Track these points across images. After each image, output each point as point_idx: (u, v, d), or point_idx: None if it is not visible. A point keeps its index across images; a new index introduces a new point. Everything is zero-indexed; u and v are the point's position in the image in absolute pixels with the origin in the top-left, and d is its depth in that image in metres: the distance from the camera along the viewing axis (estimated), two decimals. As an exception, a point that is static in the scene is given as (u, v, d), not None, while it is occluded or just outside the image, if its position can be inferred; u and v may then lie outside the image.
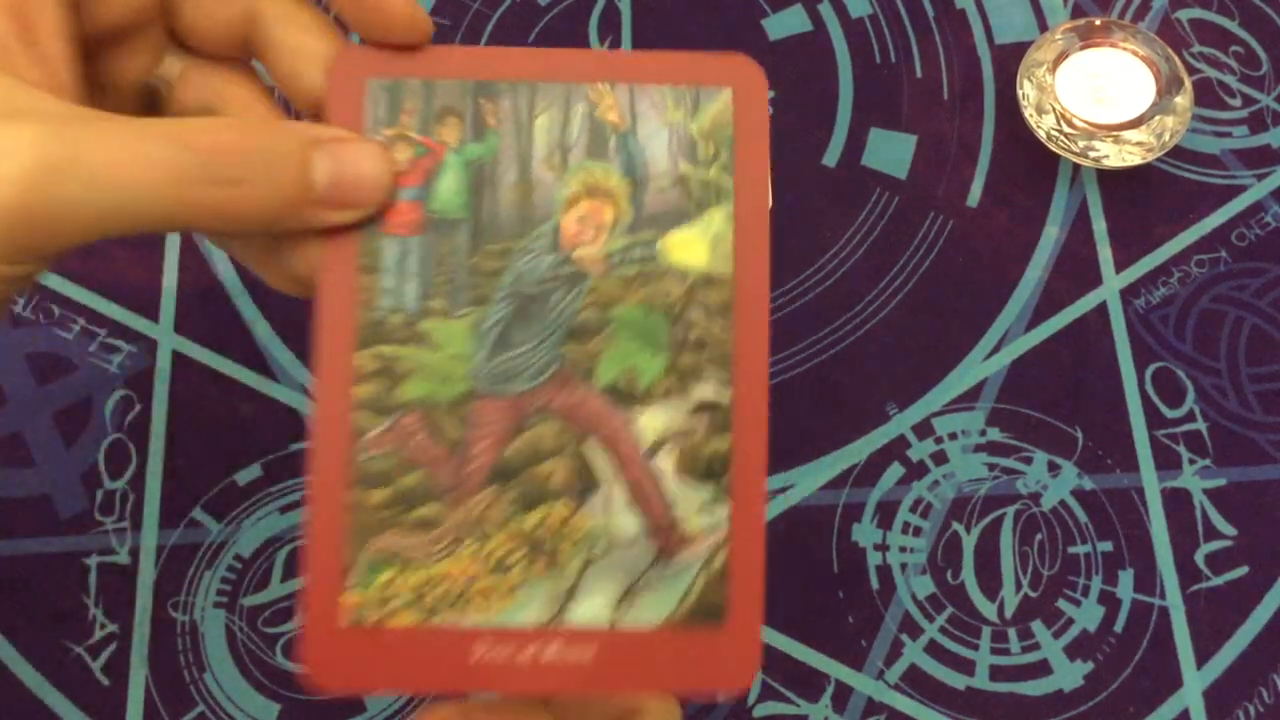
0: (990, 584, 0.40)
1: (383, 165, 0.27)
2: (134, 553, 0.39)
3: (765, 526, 0.27)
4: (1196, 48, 0.46)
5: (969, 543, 0.40)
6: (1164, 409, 0.42)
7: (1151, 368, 0.42)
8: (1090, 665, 0.39)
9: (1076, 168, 0.44)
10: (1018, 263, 0.43)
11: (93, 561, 0.39)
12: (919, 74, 0.45)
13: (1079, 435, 0.41)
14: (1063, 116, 0.43)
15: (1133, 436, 0.41)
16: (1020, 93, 0.44)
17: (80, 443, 0.40)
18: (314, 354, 0.27)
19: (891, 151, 0.44)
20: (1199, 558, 0.40)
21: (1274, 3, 0.47)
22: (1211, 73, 0.46)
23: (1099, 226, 0.44)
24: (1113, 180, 0.44)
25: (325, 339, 0.27)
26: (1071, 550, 0.40)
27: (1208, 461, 0.41)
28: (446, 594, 0.27)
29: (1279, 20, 0.46)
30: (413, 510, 0.27)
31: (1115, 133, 0.43)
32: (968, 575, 0.40)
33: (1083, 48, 0.44)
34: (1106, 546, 0.40)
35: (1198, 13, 0.46)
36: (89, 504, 0.39)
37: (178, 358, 0.41)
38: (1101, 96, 0.43)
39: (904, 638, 0.39)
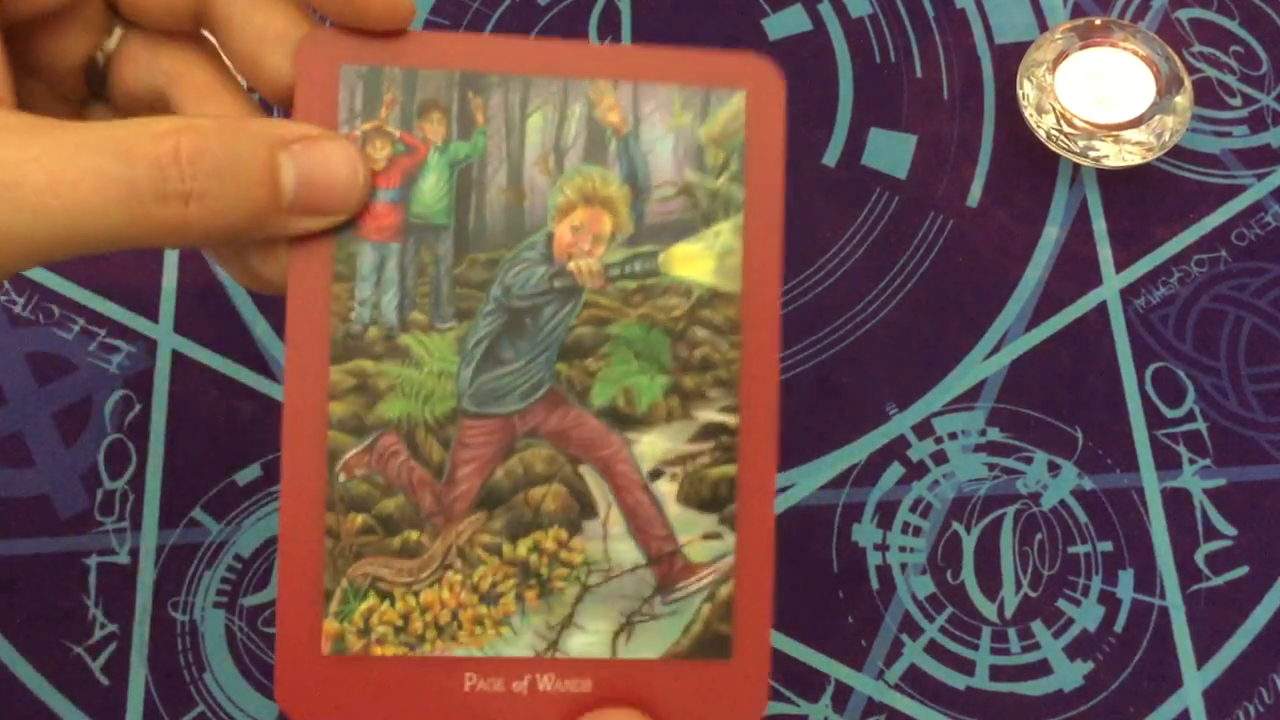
0: (990, 584, 0.40)
1: (357, 166, 0.24)
2: (134, 553, 0.39)
3: (774, 556, 0.26)
4: (1196, 47, 0.46)
5: (969, 543, 0.40)
6: (1164, 409, 0.41)
7: (1151, 368, 0.42)
8: (1090, 665, 0.39)
9: (1076, 167, 0.44)
10: (1018, 263, 0.43)
11: (92, 561, 0.39)
12: (919, 74, 0.45)
13: (1079, 435, 0.41)
14: (1063, 116, 0.43)
15: (1133, 436, 0.41)
16: (1020, 92, 0.44)
17: (80, 443, 0.40)
18: (285, 368, 0.25)
19: (891, 151, 0.44)
20: (1199, 558, 0.40)
21: (1274, 2, 0.46)
22: (1211, 72, 0.46)
23: (1099, 226, 0.44)
24: (1113, 180, 0.44)
25: (296, 352, 0.25)
26: (1071, 550, 0.40)
27: (1208, 461, 0.41)
28: (433, 623, 0.25)
29: (1279, 20, 0.46)
30: (395, 536, 0.25)
31: (1115, 132, 0.43)
32: (968, 575, 0.40)
33: (1083, 47, 0.44)
34: (1106, 546, 0.40)
35: (1198, 12, 0.46)
36: (89, 504, 0.39)
37: (177, 358, 0.41)
38: (1101, 96, 0.43)
39: (904, 638, 0.39)
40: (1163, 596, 0.40)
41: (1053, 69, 0.44)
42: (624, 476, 0.26)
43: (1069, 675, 0.39)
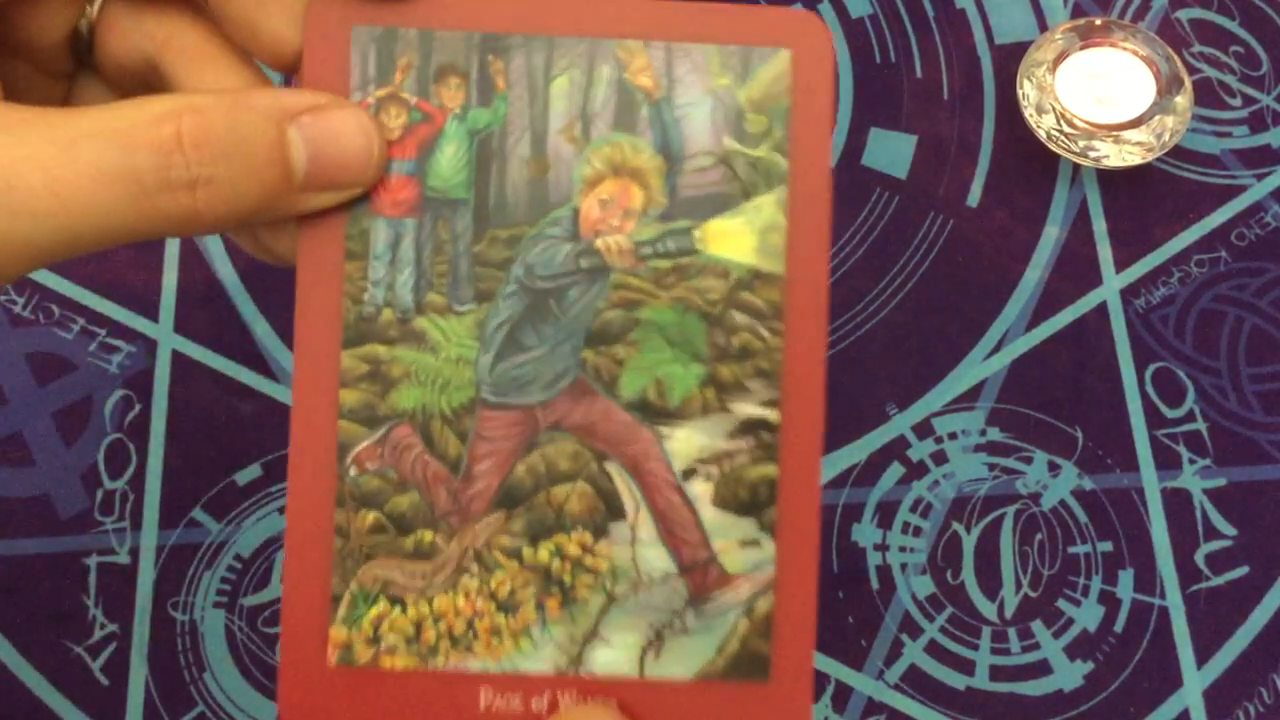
0: (990, 584, 0.40)
1: (372, 136, 0.23)
2: (134, 553, 0.39)
3: (818, 566, 0.24)
4: (1196, 47, 0.46)
5: (969, 543, 0.40)
6: (1164, 409, 0.41)
7: (1151, 368, 0.42)
8: (1090, 665, 0.39)
9: (1076, 167, 0.44)
10: (1018, 262, 0.43)
11: (92, 561, 0.39)
12: (919, 74, 0.45)
13: (1079, 435, 0.41)
14: (1063, 116, 0.43)
15: (1133, 436, 0.41)
16: (1020, 93, 0.44)
17: (80, 442, 0.40)
18: (294, 353, 0.24)
19: (891, 151, 0.44)
20: (1199, 558, 0.40)
21: (1274, 3, 0.46)
22: (1211, 72, 0.46)
23: (1099, 226, 0.44)
24: (1113, 180, 0.44)
25: (305, 336, 0.23)
26: (1071, 550, 0.40)
27: (1208, 461, 0.41)
28: (447, 633, 0.23)
29: (1279, 20, 0.46)
30: (407, 536, 0.23)
31: (1115, 132, 0.43)
32: (968, 575, 0.40)
33: (1083, 48, 0.44)
34: (1106, 546, 0.40)
35: (1198, 12, 0.46)
36: (89, 504, 0.39)
37: (178, 357, 0.41)
38: (1101, 96, 0.43)
39: (904, 638, 0.39)
40: (1163, 596, 0.40)
41: (1053, 69, 0.44)
42: (654, 475, 0.24)
43: (1069, 675, 0.39)
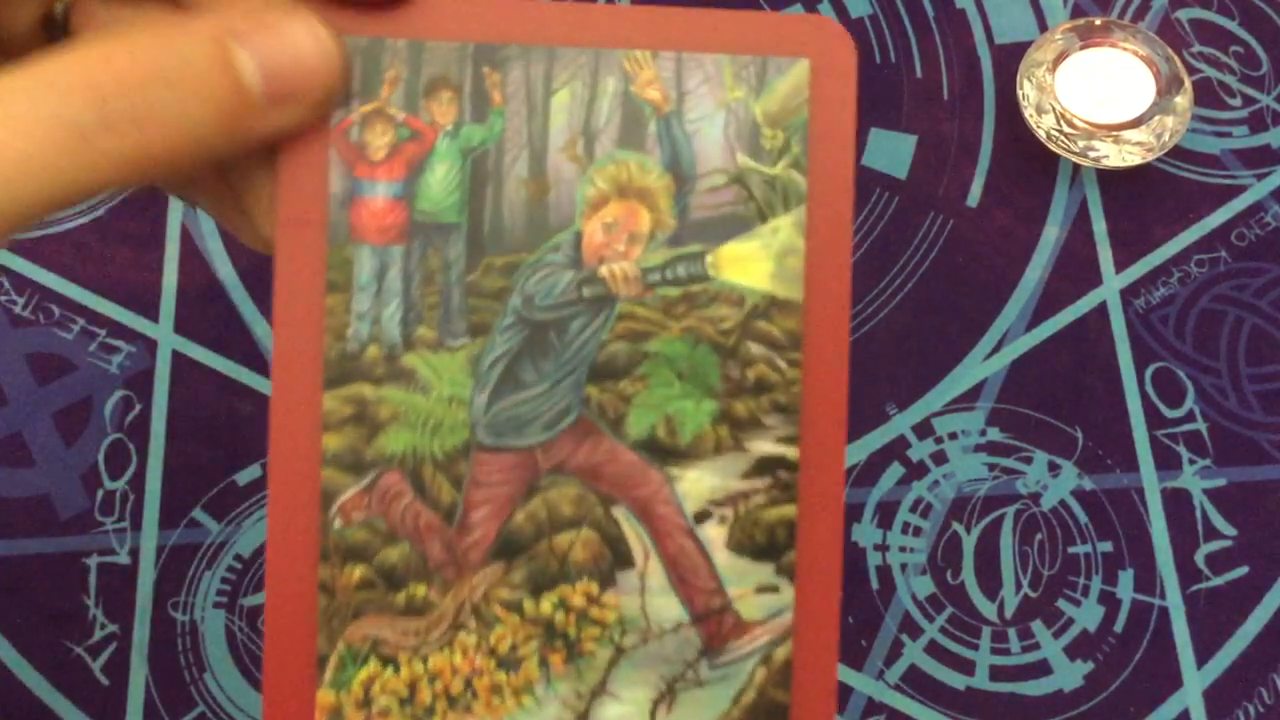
0: (990, 584, 0.40)
1: (325, 40, 0.21)
2: (134, 553, 0.39)
3: (840, 612, 0.22)
4: (1196, 47, 0.46)
5: (969, 543, 0.40)
6: (1164, 409, 0.41)
7: (1151, 368, 0.42)
8: (1090, 665, 0.39)
9: (1076, 168, 0.44)
10: (1017, 263, 0.43)
11: (93, 562, 0.39)
12: (919, 74, 0.45)
13: (1079, 435, 0.41)
14: (1063, 116, 0.43)
15: (1133, 436, 0.41)
16: (1020, 93, 0.44)
17: (80, 443, 0.40)
18: (271, 395, 0.22)
19: (891, 151, 0.44)
20: (1199, 558, 0.40)
21: (1274, 3, 0.46)
22: (1211, 73, 0.46)
23: (1099, 226, 0.44)
24: (1113, 180, 0.44)
25: (283, 376, 0.21)
26: (1071, 550, 0.40)
27: (1208, 461, 0.41)
28: (444, 693, 0.22)
29: (1279, 20, 0.46)
30: (398, 591, 0.22)
31: (1115, 133, 0.43)
32: (968, 575, 0.40)
33: (1083, 48, 0.44)
34: (1106, 546, 0.40)
35: (1198, 13, 0.46)
36: (89, 504, 0.39)
37: (177, 357, 0.41)
38: (1101, 97, 0.43)
39: (904, 638, 0.39)
40: (1163, 597, 0.40)
41: (1053, 69, 0.44)
42: (664, 519, 0.22)
43: (1069, 675, 0.39)
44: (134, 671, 0.38)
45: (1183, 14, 0.46)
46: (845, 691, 0.39)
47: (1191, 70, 0.45)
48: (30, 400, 0.40)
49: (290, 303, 0.21)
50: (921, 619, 0.39)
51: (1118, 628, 0.39)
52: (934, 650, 0.39)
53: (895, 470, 0.41)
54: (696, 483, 0.22)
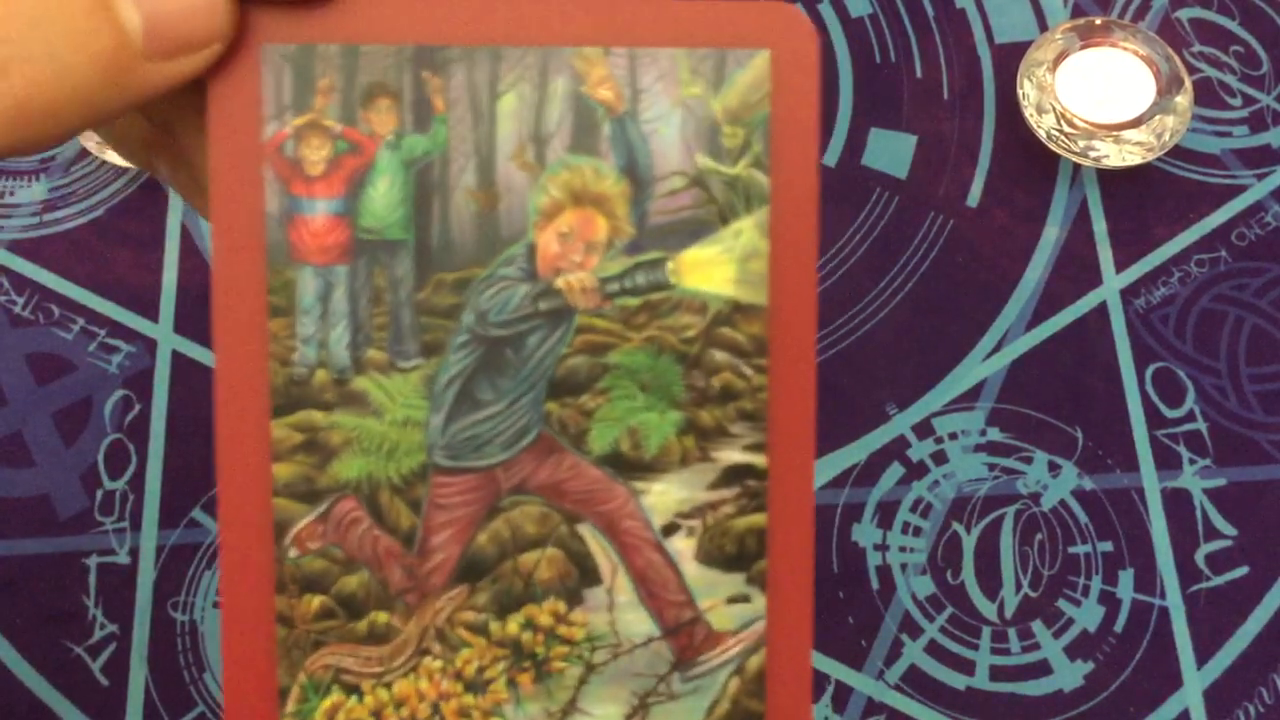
0: (990, 584, 0.40)
1: None
2: (134, 553, 0.39)
3: (813, 619, 0.22)
4: (1197, 47, 0.46)
5: (969, 543, 0.40)
6: (1164, 409, 0.41)
7: (1152, 368, 0.42)
8: (1090, 665, 0.39)
9: (1077, 167, 0.44)
10: (1018, 263, 0.43)
11: (92, 562, 0.39)
12: (919, 73, 0.45)
13: (1079, 435, 0.41)
14: (1063, 116, 0.43)
15: (1133, 436, 0.41)
16: (1020, 92, 0.44)
17: (80, 443, 0.40)
18: (216, 425, 0.21)
19: (891, 151, 0.44)
20: (1199, 558, 0.40)
21: (1274, 2, 0.46)
22: (1212, 72, 0.45)
23: (1099, 226, 0.44)
24: (1113, 180, 0.44)
25: (228, 405, 0.21)
26: (1072, 550, 0.40)
27: (1208, 461, 0.41)
28: (410, 719, 0.21)
29: (1279, 20, 0.46)
30: (359, 619, 0.21)
31: (1115, 132, 0.43)
32: (968, 575, 0.40)
33: (1083, 47, 0.44)
34: (1107, 546, 0.40)
35: (1198, 12, 0.46)
36: (88, 504, 0.39)
37: (177, 357, 0.41)
38: (1101, 96, 0.43)
39: (904, 638, 0.39)
40: (1163, 596, 0.40)
41: (1053, 69, 0.44)
42: (631, 534, 0.22)
43: (1069, 675, 0.39)
44: (134, 671, 0.38)
45: (1183, 13, 0.46)
46: (845, 691, 0.39)
47: (1192, 70, 0.45)
48: (30, 400, 0.40)
49: (231, 329, 0.21)
50: (921, 619, 0.39)
51: (1118, 628, 0.39)
52: (934, 650, 0.39)
53: (895, 470, 0.41)
54: (663, 495, 0.22)
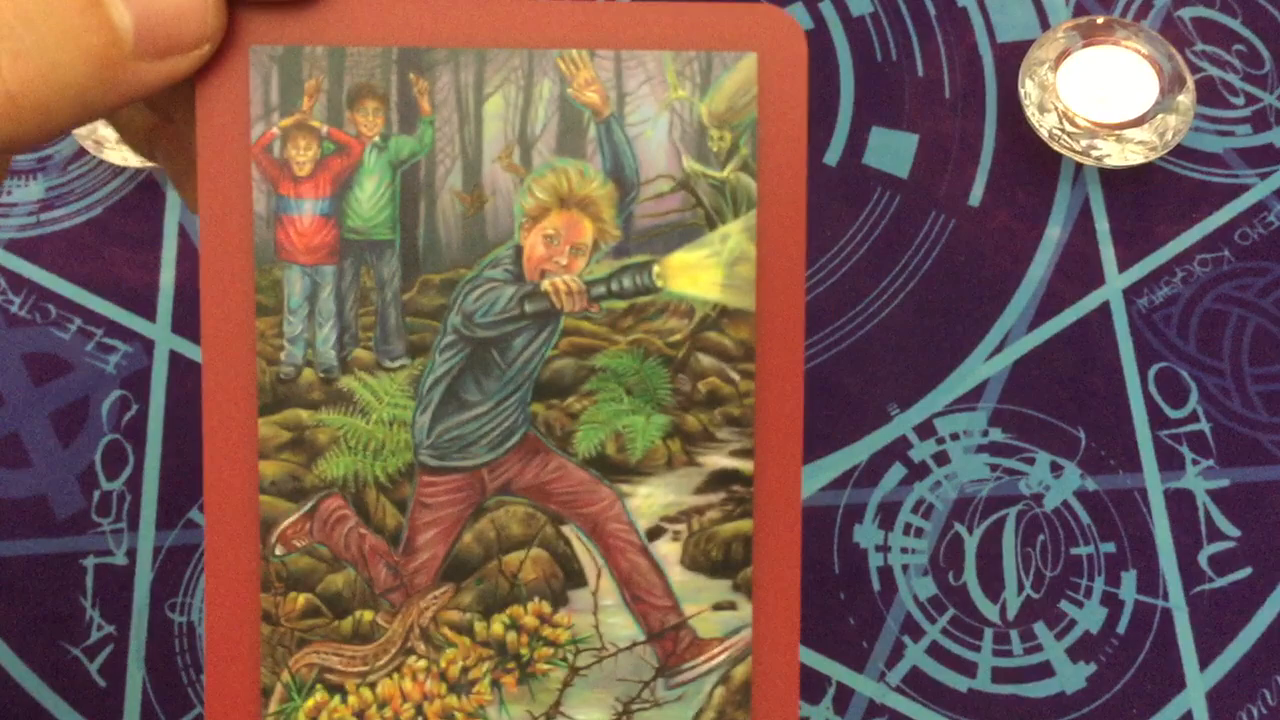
0: (992, 585, 0.40)
1: None
2: (131, 554, 0.39)
3: (799, 629, 0.22)
4: (1199, 46, 0.46)
5: (971, 544, 0.40)
6: (1167, 409, 0.41)
7: (1154, 368, 0.42)
8: (1093, 667, 0.39)
9: (1079, 167, 0.44)
10: (1020, 262, 0.43)
11: (89, 563, 0.39)
12: (920, 72, 0.45)
13: (1082, 436, 0.41)
14: (1065, 115, 0.43)
15: (1135, 437, 0.41)
16: (1022, 91, 0.44)
17: (77, 443, 0.40)
18: (204, 423, 0.21)
19: (893, 150, 0.44)
20: (1202, 559, 0.40)
21: (1276, 1, 0.46)
22: (1214, 71, 0.45)
23: (1101, 226, 0.43)
24: (1115, 179, 0.44)
25: (215, 403, 0.21)
26: (1074, 551, 0.40)
27: (1211, 462, 0.41)
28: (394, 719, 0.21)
29: (1282, 19, 0.46)
30: (344, 618, 0.21)
31: (1117, 131, 0.43)
32: (970, 576, 0.40)
33: (1085, 46, 0.44)
34: (1109, 548, 0.40)
35: (1201, 11, 0.46)
36: (86, 505, 0.39)
37: (175, 358, 0.41)
38: (1104, 95, 0.43)
39: (905, 639, 0.39)
40: (1166, 598, 0.39)
41: (1055, 68, 0.44)
42: (617, 537, 0.22)
43: (1071, 677, 0.39)
44: (131, 673, 0.38)
45: (1185, 12, 0.46)
46: (846, 693, 0.38)
47: (1194, 69, 0.45)
48: (27, 400, 0.40)
49: (219, 328, 0.21)
50: (923, 620, 0.39)
51: (1120, 629, 0.39)
52: (936, 652, 0.39)
53: (897, 471, 0.40)
54: (648, 499, 0.22)
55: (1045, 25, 0.46)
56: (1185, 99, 0.43)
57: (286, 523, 0.21)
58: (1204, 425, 0.41)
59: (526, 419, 0.21)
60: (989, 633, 0.39)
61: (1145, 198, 0.44)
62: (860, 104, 0.45)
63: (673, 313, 0.21)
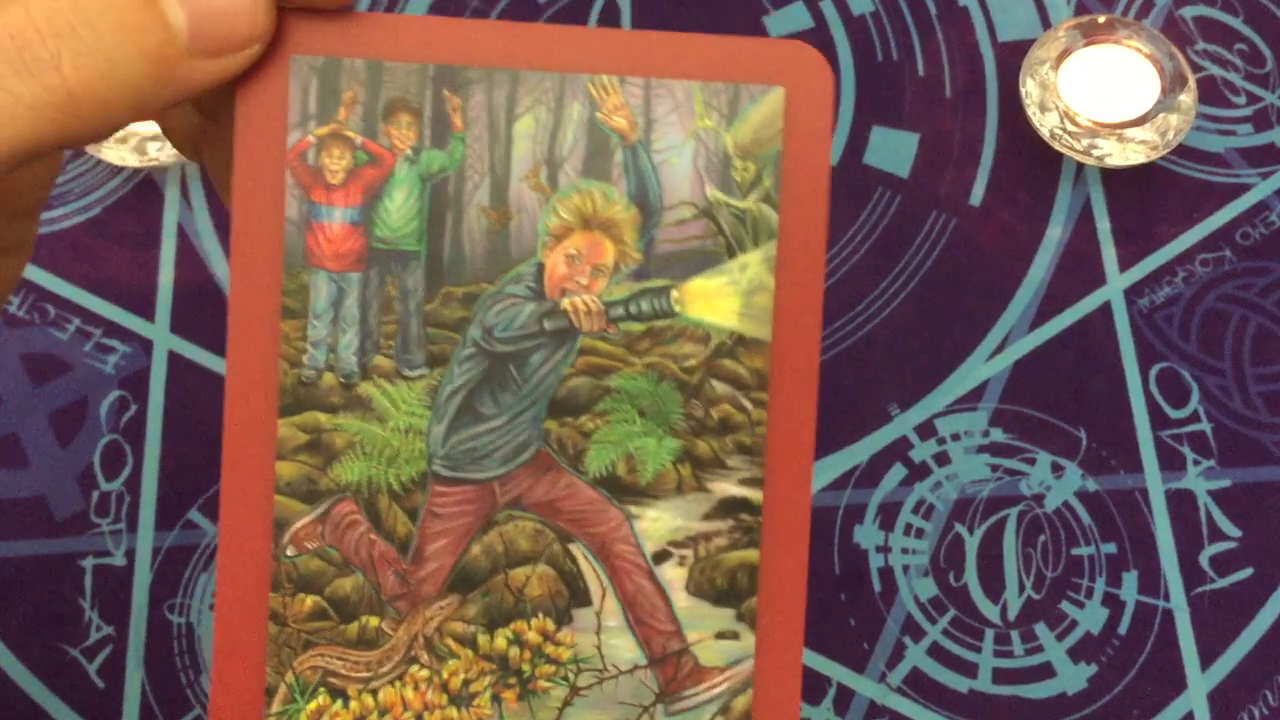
0: (993, 586, 0.39)
1: None
2: (130, 554, 0.39)
3: (801, 663, 0.22)
4: (1201, 45, 0.46)
5: (972, 544, 0.40)
6: (1168, 409, 0.41)
7: (1156, 368, 0.42)
8: (1094, 668, 0.39)
9: (1080, 166, 0.44)
10: (1021, 262, 0.43)
11: (88, 564, 0.39)
12: (921, 72, 0.45)
13: (1083, 436, 0.41)
14: (1066, 114, 0.43)
15: (1137, 437, 0.41)
16: (1023, 90, 0.43)
17: (76, 444, 0.40)
18: (225, 421, 0.21)
19: (893, 150, 0.44)
20: (1203, 559, 0.40)
21: (1278, 0, 0.46)
22: (1216, 70, 0.45)
23: (1102, 225, 0.43)
24: (1116, 179, 0.44)
25: (237, 402, 0.21)
26: (1075, 552, 0.40)
27: (1212, 463, 0.41)
28: None
29: (1284, 17, 0.46)
30: (350, 622, 0.21)
31: (1119, 131, 0.43)
32: (970, 577, 0.39)
33: (1086, 45, 0.44)
34: (1110, 548, 0.40)
35: (1202, 10, 0.46)
36: (84, 505, 0.39)
37: (173, 358, 0.41)
38: (1105, 94, 0.43)
39: (906, 640, 0.39)
40: (1167, 599, 0.39)
41: (1056, 67, 0.43)
42: (623, 558, 0.22)
43: (1073, 678, 0.39)
44: (130, 674, 0.38)
45: (1187, 11, 0.46)
46: (847, 694, 0.38)
47: (1196, 68, 0.45)
48: (25, 401, 0.40)
49: (244, 328, 0.21)
50: (924, 621, 0.39)
51: (1122, 630, 0.39)
52: (936, 653, 0.39)
53: (898, 471, 0.40)
54: (656, 522, 0.22)
55: (1046, 24, 0.46)
56: (1187, 98, 0.43)
57: (299, 524, 0.21)
58: (1205, 425, 0.41)
59: (540, 435, 0.22)
60: (990, 633, 0.39)
61: (1146, 197, 0.44)
62: (861, 103, 0.45)
63: (689, 338, 0.22)
